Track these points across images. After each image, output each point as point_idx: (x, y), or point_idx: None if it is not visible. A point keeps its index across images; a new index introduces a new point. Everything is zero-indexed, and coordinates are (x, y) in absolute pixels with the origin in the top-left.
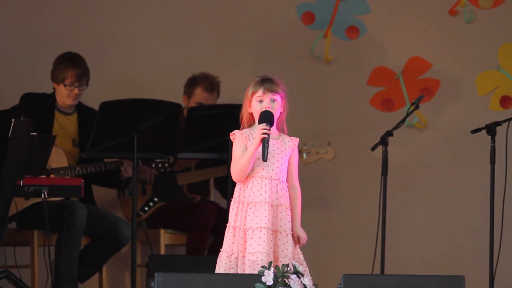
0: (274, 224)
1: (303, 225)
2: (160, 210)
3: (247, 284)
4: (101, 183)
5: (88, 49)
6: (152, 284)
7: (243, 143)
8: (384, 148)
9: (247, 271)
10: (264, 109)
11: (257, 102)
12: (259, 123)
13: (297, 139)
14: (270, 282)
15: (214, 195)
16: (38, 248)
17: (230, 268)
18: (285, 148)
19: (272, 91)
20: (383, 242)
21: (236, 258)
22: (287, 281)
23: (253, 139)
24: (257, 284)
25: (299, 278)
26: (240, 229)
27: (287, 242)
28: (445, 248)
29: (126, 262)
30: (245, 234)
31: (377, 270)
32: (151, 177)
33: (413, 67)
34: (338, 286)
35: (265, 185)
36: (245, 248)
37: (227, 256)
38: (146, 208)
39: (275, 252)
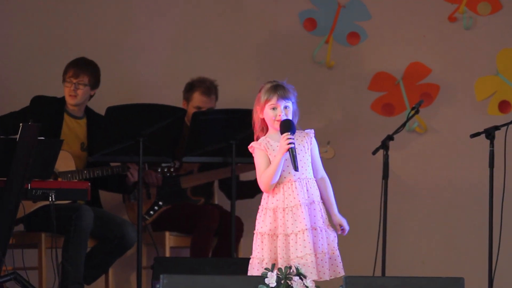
0: (312, 222)
1: None
2: (165, 213)
3: (251, 286)
4: (108, 188)
5: (95, 55)
6: (158, 286)
7: (264, 153)
8: (385, 152)
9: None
10: (284, 118)
11: (270, 109)
12: (281, 133)
13: (312, 131)
14: (273, 284)
15: (218, 198)
16: (45, 250)
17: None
18: (303, 144)
19: (285, 97)
20: (384, 244)
21: (266, 263)
22: (289, 283)
23: (277, 148)
24: (261, 285)
25: (302, 280)
26: (271, 235)
27: (322, 238)
28: (444, 250)
29: (132, 264)
30: (287, 240)
31: (378, 272)
32: (158, 181)
33: (413, 73)
34: (340, 287)
35: (296, 187)
36: (286, 253)
37: (258, 263)
38: (151, 212)
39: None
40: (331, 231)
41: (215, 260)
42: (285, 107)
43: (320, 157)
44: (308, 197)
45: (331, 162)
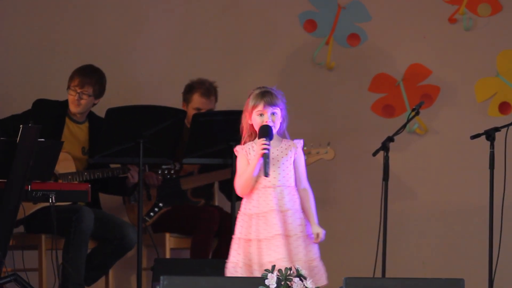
0: (285, 229)
1: None
2: (165, 214)
3: (251, 287)
4: (108, 190)
5: (96, 57)
6: (158, 287)
7: (245, 157)
8: (385, 154)
9: None
10: (263, 123)
11: (257, 116)
12: (259, 138)
13: (301, 141)
14: (273, 285)
15: (219, 199)
16: (45, 252)
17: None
18: (286, 153)
19: (272, 104)
20: (384, 246)
21: (241, 267)
22: (290, 284)
23: (253, 153)
24: (261, 287)
25: (302, 281)
26: (247, 240)
27: (299, 246)
28: (445, 251)
29: (132, 266)
30: (259, 246)
31: (378, 273)
32: (158, 180)
33: (413, 74)
34: None
35: (270, 194)
36: (259, 258)
37: (233, 267)
38: (151, 214)
39: (289, 256)
40: (309, 239)
41: (215, 261)
42: (273, 114)
43: (320, 158)
44: (285, 204)
45: (331, 164)
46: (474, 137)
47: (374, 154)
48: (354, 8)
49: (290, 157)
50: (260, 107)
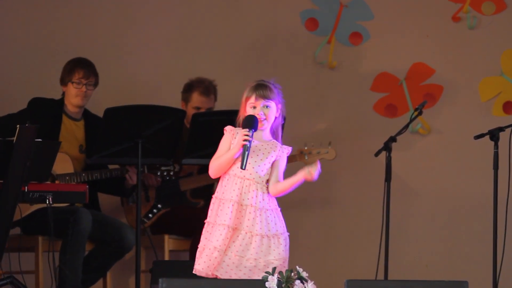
0: (235, 222)
1: (306, 227)
2: (164, 216)
3: None
4: (107, 190)
5: (94, 56)
6: None
7: (229, 140)
8: (387, 154)
9: (204, 265)
10: (248, 114)
11: (250, 108)
12: (242, 128)
13: (290, 148)
14: (274, 287)
15: None
16: (42, 254)
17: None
18: (269, 151)
19: (265, 97)
20: (386, 247)
21: (210, 249)
22: (290, 287)
23: (235, 141)
24: None
25: (303, 284)
26: (211, 224)
27: (249, 244)
28: (448, 253)
29: (130, 268)
30: (212, 229)
31: (380, 275)
32: (158, 183)
33: (416, 73)
34: None
35: (236, 183)
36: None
37: (199, 251)
38: (150, 215)
39: (243, 252)
40: (280, 243)
41: None
42: (266, 107)
43: (321, 158)
44: (248, 199)
45: (332, 164)
46: (478, 137)
47: (376, 154)
48: (356, 6)
49: (272, 157)
50: (252, 99)
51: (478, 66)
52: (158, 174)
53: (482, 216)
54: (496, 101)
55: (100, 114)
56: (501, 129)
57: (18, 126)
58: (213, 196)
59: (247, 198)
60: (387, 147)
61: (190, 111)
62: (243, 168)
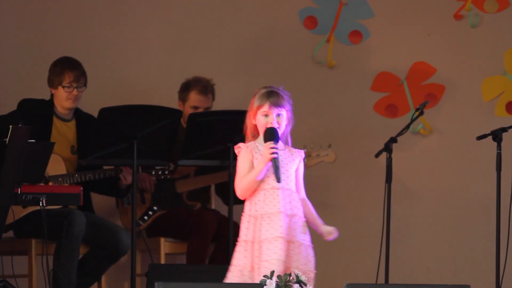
0: (288, 234)
1: None
2: (160, 218)
3: None
4: (100, 191)
5: (88, 55)
6: None
7: (249, 157)
8: (388, 155)
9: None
10: (268, 126)
11: (262, 116)
12: (265, 141)
13: (303, 152)
14: None
15: (215, 203)
16: (36, 257)
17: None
18: (293, 158)
19: (278, 105)
20: (387, 250)
21: (249, 271)
22: None
23: (260, 157)
24: None
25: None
26: (253, 242)
27: (300, 253)
28: (450, 256)
29: (125, 272)
30: (260, 247)
31: (381, 279)
32: (151, 185)
33: (417, 72)
34: None
35: (278, 195)
36: (258, 258)
37: (239, 270)
38: (145, 217)
39: (287, 262)
40: (311, 250)
41: (212, 267)
42: (278, 115)
43: (321, 161)
44: (291, 208)
45: (332, 166)
46: (480, 137)
47: (377, 155)
48: (356, 4)
49: (296, 163)
50: (265, 108)
51: (481, 65)
52: (153, 173)
53: (485, 219)
54: (499, 101)
55: (95, 114)
56: (504, 129)
57: (10, 126)
58: (246, 214)
59: (290, 208)
60: (387, 148)
61: (188, 111)
62: (279, 181)
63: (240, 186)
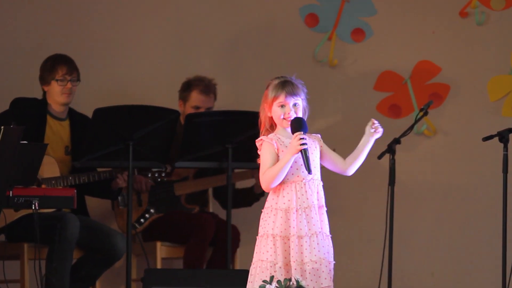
0: (319, 227)
1: None
2: (157, 221)
3: None
4: (94, 193)
5: (83, 55)
6: None
7: (273, 149)
8: (391, 157)
9: (309, 280)
10: (294, 117)
11: (278, 107)
12: (292, 132)
13: (319, 135)
14: None
15: (213, 206)
16: (28, 262)
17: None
18: (316, 146)
19: (294, 94)
20: (390, 255)
21: (280, 267)
22: None
23: (286, 148)
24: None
25: None
26: (280, 236)
27: (328, 245)
28: (455, 261)
29: (120, 277)
30: (299, 242)
31: (384, 285)
32: (147, 187)
33: (421, 71)
34: None
35: (309, 187)
36: (299, 256)
37: (271, 266)
38: (141, 220)
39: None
40: (330, 240)
41: (210, 271)
42: (294, 105)
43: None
44: (318, 200)
45: None
46: (486, 138)
47: (380, 157)
48: (359, 1)
49: (316, 147)
50: (281, 98)
51: (487, 64)
52: (149, 176)
53: (491, 222)
54: (506, 101)
55: (90, 115)
56: (511, 130)
57: (2, 127)
58: (272, 207)
59: (319, 198)
60: (390, 149)
61: (189, 111)
62: (310, 172)
63: (266, 178)
